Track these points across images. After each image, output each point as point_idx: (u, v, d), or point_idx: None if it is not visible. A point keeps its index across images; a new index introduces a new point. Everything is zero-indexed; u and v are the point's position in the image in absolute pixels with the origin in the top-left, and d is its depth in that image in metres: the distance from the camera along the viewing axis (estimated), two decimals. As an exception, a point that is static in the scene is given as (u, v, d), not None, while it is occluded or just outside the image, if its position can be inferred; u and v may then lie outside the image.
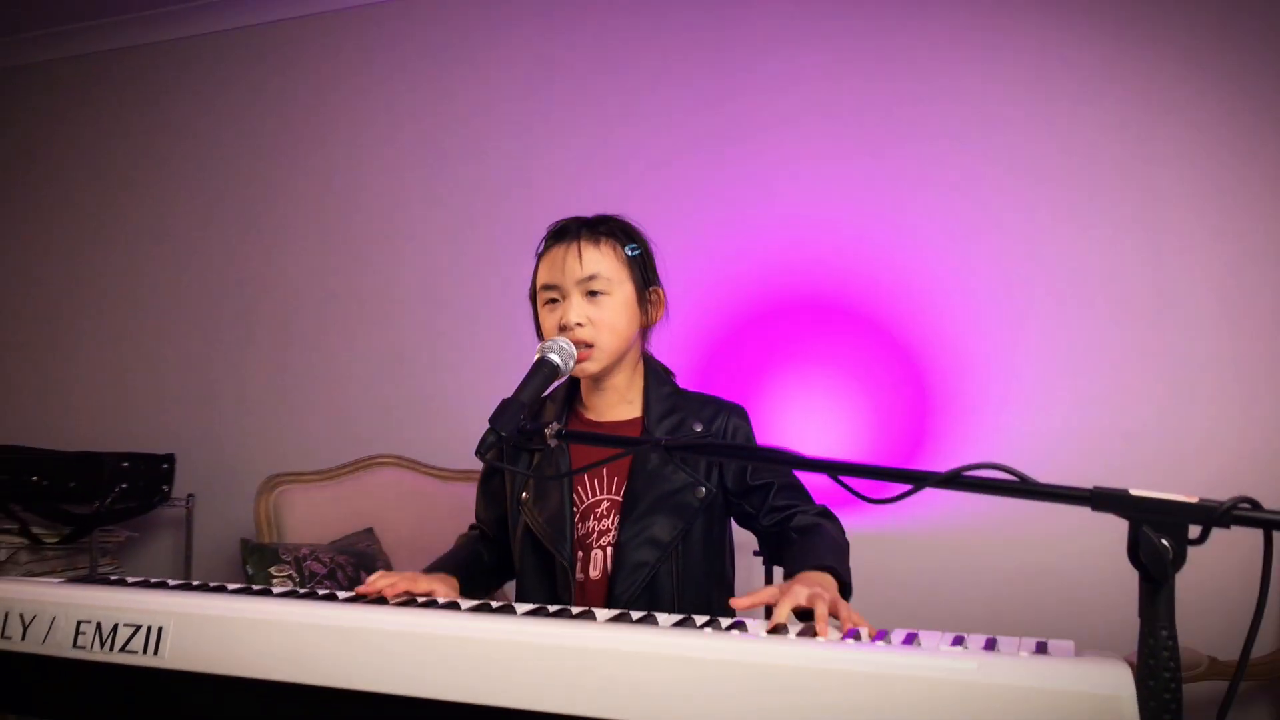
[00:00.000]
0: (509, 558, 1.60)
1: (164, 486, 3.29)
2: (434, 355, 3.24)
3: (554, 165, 3.16)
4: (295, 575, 2.42)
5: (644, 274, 1.51)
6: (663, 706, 0.88)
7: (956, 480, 0.94)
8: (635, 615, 1.16)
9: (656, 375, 1.56)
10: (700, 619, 1.12)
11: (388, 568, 2.67)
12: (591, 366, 1.46)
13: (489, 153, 3.26)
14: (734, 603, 1.15)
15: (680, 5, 3.07)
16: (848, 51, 2.88)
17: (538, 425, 1.20)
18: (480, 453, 1.18)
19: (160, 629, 1.13)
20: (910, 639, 1.02)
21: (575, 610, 1.19)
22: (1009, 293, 2.67)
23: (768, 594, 1.17)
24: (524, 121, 3.23)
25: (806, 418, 2.78)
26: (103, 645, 1.15)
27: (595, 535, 1.48)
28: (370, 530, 2.78)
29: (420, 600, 1.31)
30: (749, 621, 1.13)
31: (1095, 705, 0.78)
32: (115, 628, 1.15)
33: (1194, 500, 0.84)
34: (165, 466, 3.30)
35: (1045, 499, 0.92)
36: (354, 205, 3.43)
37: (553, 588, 1.48)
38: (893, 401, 2.72)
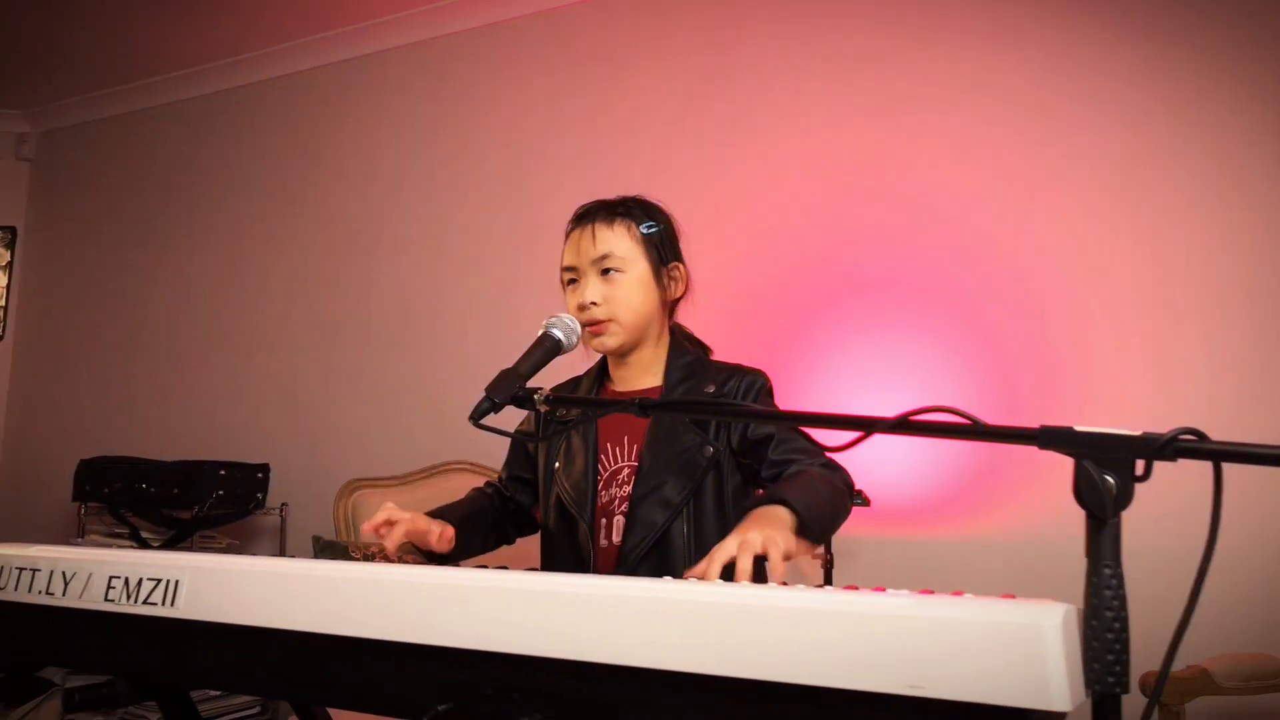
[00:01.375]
0: (519, 518, 1.65)
1: (259, 494, 3.47)
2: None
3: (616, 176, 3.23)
4: (363, 571, 2.51)
5: (660, 251, 1.54)
6: (588, 640, 0.91)
7: (905, 425, 0.94)
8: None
9: (679, 346, 1.59)
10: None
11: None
12: (610, 341, 1.51)
13: (565, 171, 3.35)
14: (687, 574, 1.14)
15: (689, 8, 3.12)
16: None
17: (528, 392, 1.24)
18: (474, 418, 1.23)
19: (177, 582, 1.20)
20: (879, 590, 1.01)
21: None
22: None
23: (708, 557, 1.14)
24: (594, 130, 3.32)
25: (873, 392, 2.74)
26: (129, 598, 1.23)
27: (616, 502, 1.52)
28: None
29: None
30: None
31: (1018, 632, 0.76)
32: (140, 581, 1.23)
33: (1137, 434, 0.82)
34: (260, 475, 3.48)
35: (994, 439, 0.90)
36: (433, 226, 3.57)
37: (577, 553, 1.51)
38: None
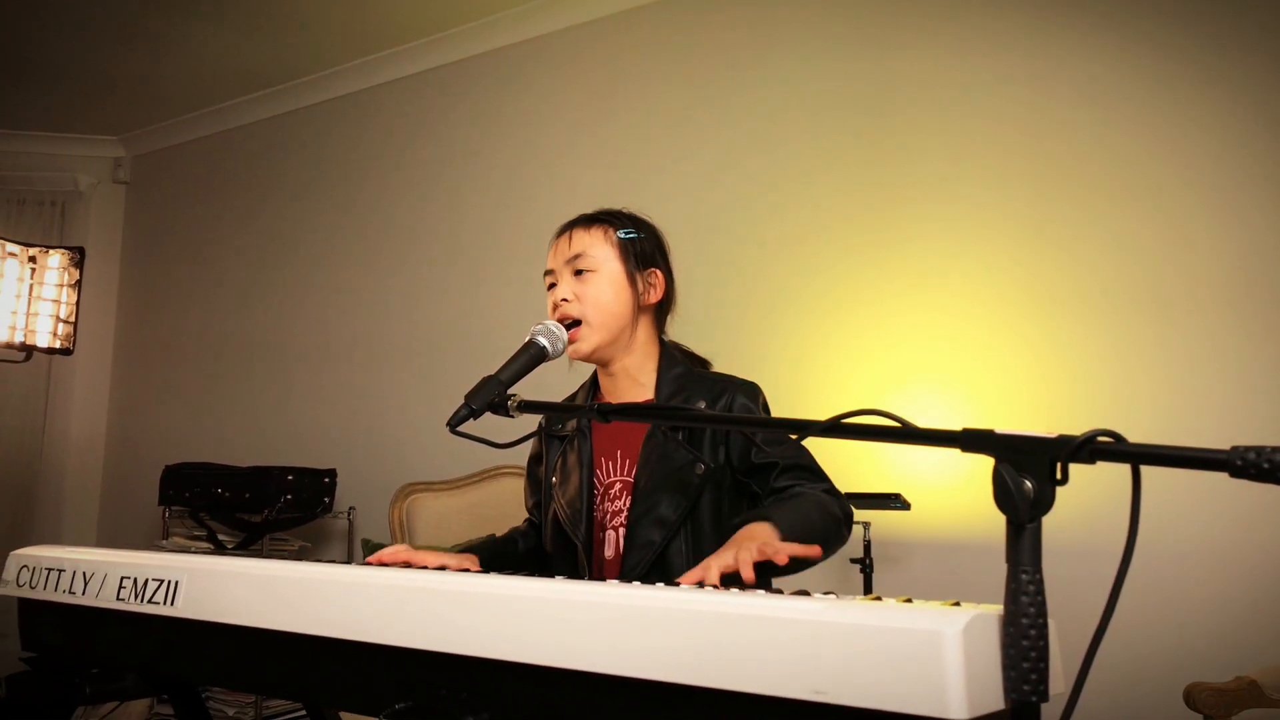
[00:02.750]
0: None
1: (325, 499, 3.60)
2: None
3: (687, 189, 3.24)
4: (409, 573, 2.58)
5: (637, 257, 1.55)
6: (517, 639, 0.93)
7: (837, 428, 0.93)
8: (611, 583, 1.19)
9: (670, 358, 1.59)
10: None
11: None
12: (583, 346, 1.52)
13: (602, 180, 3.38)
14: (680, 581, 1.15)
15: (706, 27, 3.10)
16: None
17: (504, 399, 1.26)
18: (451, 425, 1.26)
19: (176, 582, 1.27)
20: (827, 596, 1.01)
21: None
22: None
23: (701, 567, 1.15)
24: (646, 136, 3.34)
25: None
26: (137, 597, 1.31)
27: (610, 516, 1.52)
28: (491, 535, 2.92)
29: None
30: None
31: (917, 640, 0.75)
32: (146, 582, 1.31)
33: (1052, 436, 0.80)
34: (327, 480, 3.61)
35: (920, 442, 0.89)
36: (491, 235, 3.65)
37: (574, 569, 1.53)
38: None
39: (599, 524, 1.54)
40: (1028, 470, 0.80)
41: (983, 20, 2.71)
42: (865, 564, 2.44)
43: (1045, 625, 0.79)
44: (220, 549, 3.51)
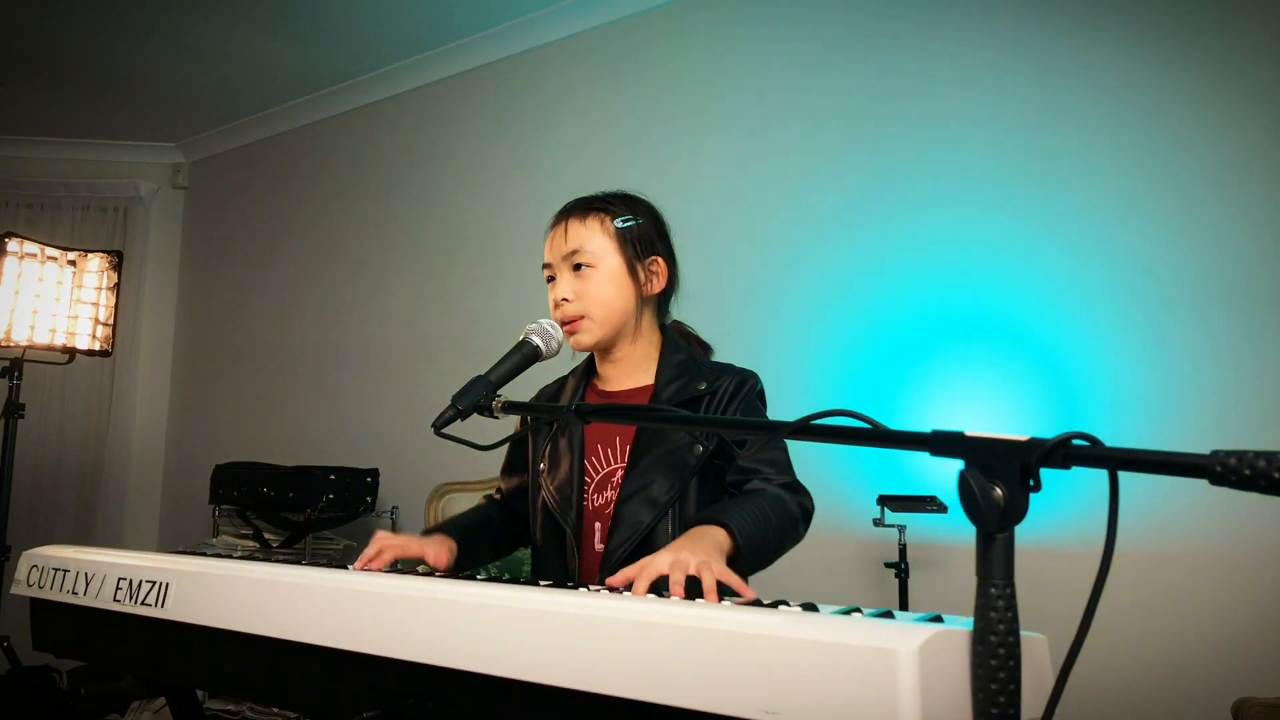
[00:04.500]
0: (522, 526, 1.63)
1: (368, 498, 3.62)
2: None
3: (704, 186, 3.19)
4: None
5: (637, 246, 1.50)
6: (464, 646, 0.89)
7: (807, 429, 0.88)
8: (569, 584, 1.16)
9: (672, 344, 1.55)
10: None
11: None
12: (584, 339, 1.48)
13: (654, 174, 3.35)
14: (609, 581, 1.10)
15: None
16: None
17: (490, 400, 1.24)
18: (436, 427, 1.24)
19: (166, 584, 1.27)
20: (805, 608, 0.96)
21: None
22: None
23: (638, 565, 1.10)
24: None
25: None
26: (131, 599, 1.31)
27: (603, 506, 1.49)
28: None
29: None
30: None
31: (872, 658, 0.70)
32: (140, 584, 1.31)
33: (1024, 439, 0.74)
34: (369, 480, 3.64)
35: (890, 444, 0.84)
36: (535, 244, 3.64)
37: (563, 559, 1.49)
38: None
39: (595, 513, 1.50)
40: (998, 476, 0.74)
41: (991, 17, 2.62)
42: (900, 568, 2.36)
43: (1016, 642, 0.73)
44: (265, 548, 3.56)
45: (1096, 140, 2.46)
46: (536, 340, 1.36)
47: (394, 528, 3.74)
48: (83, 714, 3.74)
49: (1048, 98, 2.54)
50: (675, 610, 0.83)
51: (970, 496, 0.73)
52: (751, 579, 1.45)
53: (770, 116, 3.07)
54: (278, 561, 1.41)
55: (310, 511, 3.42)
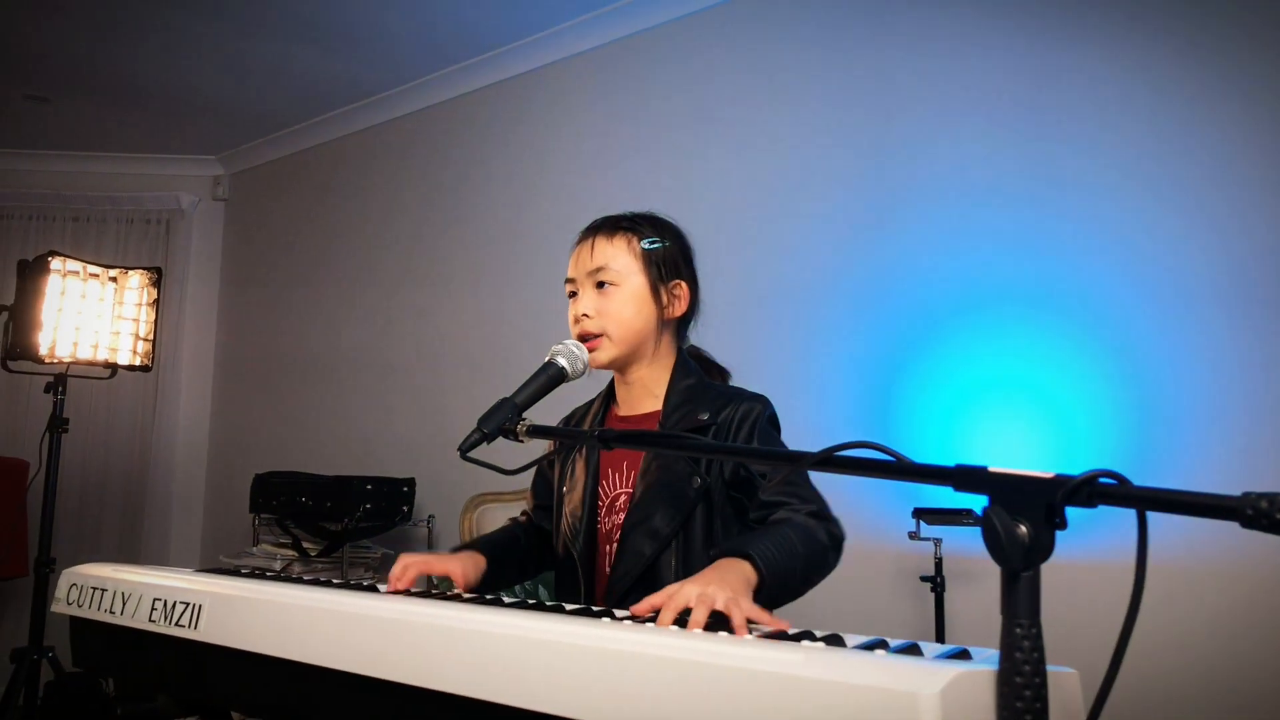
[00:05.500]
0: (549, 546, 1.64)
1: (404, 507, 3.65)
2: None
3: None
4: (473, 586, 2.59)
5: (661, 268, 1.50)
6: (474, 676, 0.89)
7: (830, 461, 0.87)
8: (595, 609, 1.15)
9: (684, 368, 1.54)
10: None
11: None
12: (601, 356, 1.48)
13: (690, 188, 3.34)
14: (633, 609, 1.09)
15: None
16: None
17: (515, 423, 1.24)
18: (462, 450, 1.24)
19: (200, 606, 1.29)
20: (829, 641, 0.94)
21: (530, 603, 1.20)
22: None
23: (663, 594, 1.08)
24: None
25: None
26: (166, 619, 1.33)
27: (614, 529, 1.50)
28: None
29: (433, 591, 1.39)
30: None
31: (892, 701, 0.69)
32: (175, 604, 1.33)
33: (1049, 475, 0.72)
34: (405, 489, 3.66)
35: (913, 478, 0.83)
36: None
37: (575, 579, 1.50)
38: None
39: (602, 537, 1.51)
40: (1023, 513, 0.72)
41: (999, 17, 2.58)
42: (936, 582, 2.33)
43: (1043, 683, 0.71)
44: (304, 557, 3.60)
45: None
46: (562, 362, 1.36)
47: (430, 537, 3.78)
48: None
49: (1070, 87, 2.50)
50: (698, 646, 0.82)
51: (994, 534, 0.72)
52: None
53: (791, 128, 3.05)
54: (312, 582, 1.42)
55: (348, 521, 3.46)
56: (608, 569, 1.48)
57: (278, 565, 3.58)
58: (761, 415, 1.46)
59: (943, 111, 2.73)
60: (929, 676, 0.69)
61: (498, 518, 3.05)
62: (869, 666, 0.74)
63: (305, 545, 3.63)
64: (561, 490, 1.57)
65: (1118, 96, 2.44)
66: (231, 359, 5.13)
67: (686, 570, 1.40)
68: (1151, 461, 2.25)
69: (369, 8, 3.57)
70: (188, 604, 1.31)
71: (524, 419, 1.24)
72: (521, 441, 1.22)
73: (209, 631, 1.26)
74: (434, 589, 1.62)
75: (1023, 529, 0.72)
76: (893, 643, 0.93)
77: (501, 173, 3.92)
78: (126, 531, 4.88)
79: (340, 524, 3.48)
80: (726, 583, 1.08)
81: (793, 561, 1.22)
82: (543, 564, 1.67)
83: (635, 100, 3.51)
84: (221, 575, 1.47)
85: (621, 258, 1.49)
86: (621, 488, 1.51)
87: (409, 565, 1.38)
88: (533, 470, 1.66)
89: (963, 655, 0.87)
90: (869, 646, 0.91)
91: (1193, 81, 2.34)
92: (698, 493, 1.43)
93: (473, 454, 1.23)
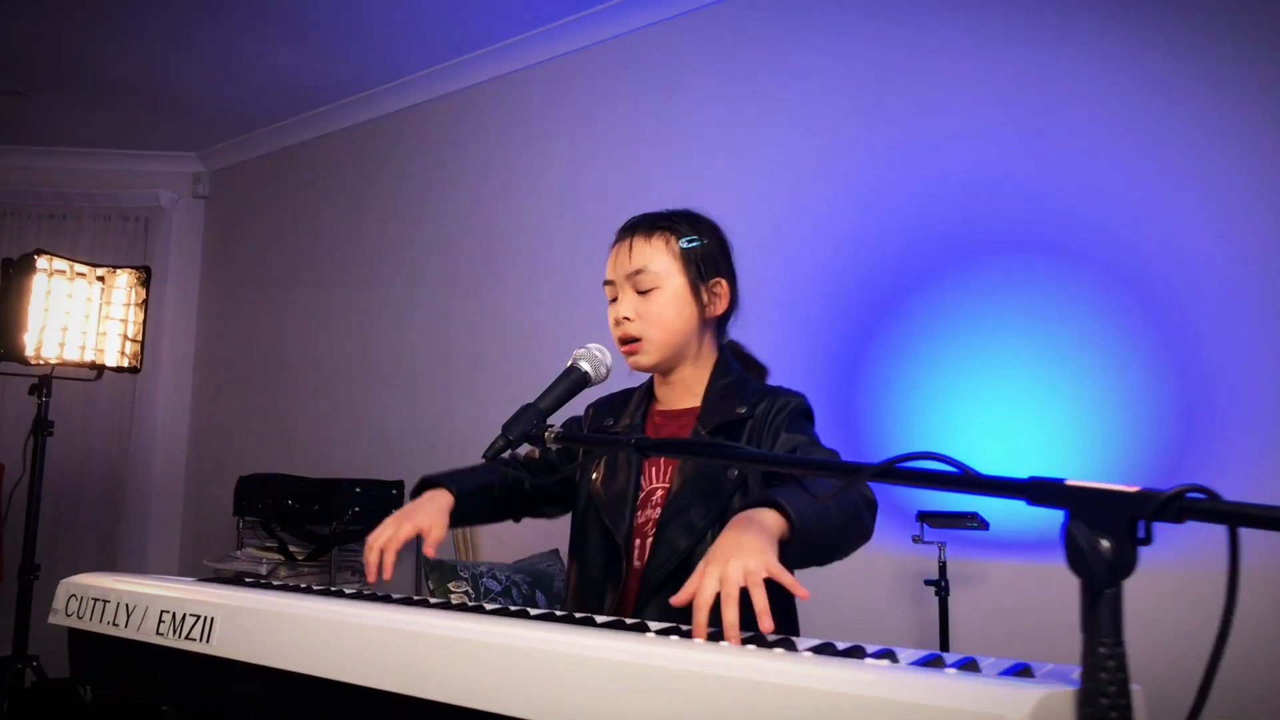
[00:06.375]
0: (528, 500, 1.63)
1: (393, 509, 3.58)
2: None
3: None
4: (470, 591, 2.55)
5: (701, 267, 1.48)
6: (516, 698, 0.86)
7: (891, 473, 0.84)
8: (629, 621, 1.12)
9: (724, 365, 1.53)
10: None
11: (565, 588, 2.75)
12: (643, 360, 1.47)
13: (656, 190, 3.31)
14: (673, 601, 1.05)
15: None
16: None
17: (541, 429, 1.21)
18: (488, 456, 1.21)
19: (212, 619, 1.24)
20: (878, 655, 0.92)
21: (559, 613, 1.17)
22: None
23: (691, 586, 1.03)
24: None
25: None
26: (175, 632, 1.28)
27: (648, 524, 1.47)
28: (555, 551, 2.87)
29: (457, 604, 1.35)
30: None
31: (975, 725, 0.66)
32: (184, 617, 1.28)
33: (1133, 490, 0.70)
34: (394, 492, 3.62)
35: (983, 491, 0.80)
36: (560, 251, 3.61)
37: (610, 571, 1.47)
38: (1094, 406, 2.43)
39: (637, 529, 1.49)
40: (1105, 528, 0.70)
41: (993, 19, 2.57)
42: (941, 585, 2.32)
43: (1129, 705, 0.69)
44: (291, 560, 3.54)
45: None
46: (585, 366, 1.33)
47: (419, 541, 3.71)
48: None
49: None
50: (756, 664, 0.78)
51: (1077, 550, 0.70)
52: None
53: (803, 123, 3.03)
54: (323, 593, 1.38)
55: (336, 524, 3.40)
56: (635, 562, 1.46)
57: (264, 569, 3.52)
58: (797, 408, 1.45)
59: (945, 114, 2.72)
60: (1015, 698, 0.67)
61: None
62: (947, 687, 0.71)
63: (292, 549, 3.57)
64: (592, 478, 1.54)
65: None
66: (212, 360, 5.04)
67: None
68: (1192, 463, 2.23)
69: (353, 3, 3.52)
70: (199, 616, 1.26)
71: (550, 425, 1.20)
72: (549, 449, 1.19)
73: (223, 645, 1.21)
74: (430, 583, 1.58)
75: (1105, 544, 0.70)
76: (948, 657, 0.91)
77: (488, 172, 3.88)
78: (104, 535, 4.78)
79: (329, 527, 3.42)
80: (743, 546, 1.02)
81: (826, 513, 1.17)
82: (511, 514, 1.66)
83: (625, 99, 3.48)
84: (228, 586, 1.42)
85: (660, 258, 1.47)
86: (658, 482, 1.49)
87: (384, 549, 1.38)
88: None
89: (1026, 673, 0.85)
90: (926, 663, 0.88)
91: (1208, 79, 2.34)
92: (734, 483, 1.41)
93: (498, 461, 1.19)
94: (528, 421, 1.23)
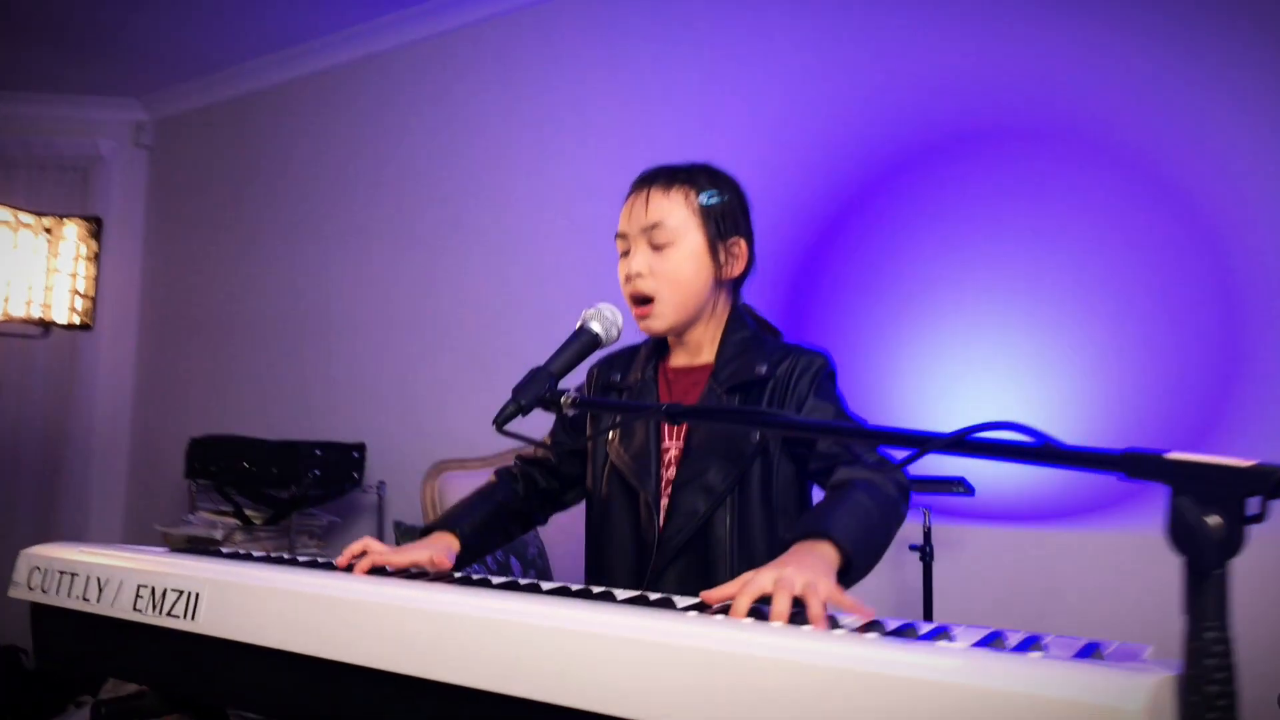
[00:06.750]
0: (552, 495, 1.57)
1: (354, 474, 3.50)
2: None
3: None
4: (443, 558, 2.48)
5: (720, 224, 1.41)
6: (581, 687, 0.79)
7: (963, 443, 0.79)
8: (652, 597, 1.06)
9: (738, 322, 1.46)
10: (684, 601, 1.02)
11: (539, 552, 2.69)
12: (656, 324, 1.40)
13: (628, 146, 3.22)
14: (704, 595, 1.00)
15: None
16: None
17: (557, 394, 1.13)
18: (498, 423, 1.14)
19: (197, 594, 1.16)
20: (934, 635, 0.87)
21: (574, 589, 1.11)
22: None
23: (738, 583, 1.00)
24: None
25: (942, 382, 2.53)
26: (155, 609, 1.20)
27: (664, 485, 1.41)
28: (472, 498, 2.81)
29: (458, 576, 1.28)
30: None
31: (1090, 715, 0.62)
32: (165, 592, 1.19)
33: (1247, 464, 0.65)
34: (356, 455, 3.51)
35: (1069, 464, 0.75)
36: (520, 217, 3.50)
37: (637, 527, 1.41)
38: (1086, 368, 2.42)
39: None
40: (1212, 504, 0.66)
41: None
42: (925, 551, 2.31)
43: (1234, 694, 0.65)
44: (248, 525, 3.42)
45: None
46: (596, 327, 1.26)
47: (380, 504, 3.63)
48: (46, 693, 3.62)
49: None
50: (837, 650, 0.73)
51: (1185, 528, 0.65)
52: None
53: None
54: (310, 565, 1.30)
55: (295, 488, 3.29)
56: (658, 527, 1.39)
57: (219, 534, 3.40)
58: (822, 369, 1.38)
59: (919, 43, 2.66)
60: (1126, 684, 0.62)
61: (461, 486, 2.92)
62: (1038, 672, 0.66)
63: (248, 513, 3.45)
64: (607, 436, 1.47)
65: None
66: (159, 317, 4.84)
67: (741, 529, 1.33)
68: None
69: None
70: (182, 591, 1.18)
71: (564, 390, 1.13)
72: (567, 415, 1.12)
73: (211, 623, 1.13)
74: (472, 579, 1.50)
75: (1214, 521, 0.65)
76: (1009, 636, 0.86)
77: (449, 124, 3.74)
78: (43, 499, 4.59)
79: (288, 491, 3.31)
80: (805, 566, 0.99)
81: (872, 531, 1.14)
82: (529, 524, 1.58)
83: (596, 47, 3.37)
84: (209, 558, 1.34)
85: (678, 212, 1.39)
86: (671, 441, 1.42)
87: (372, 556, 1.26)
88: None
89: (1097, 654, 0.80)
90: (988, 643, 0.83)
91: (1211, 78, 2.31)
92: (755, 448, 1.35)
93: (509, 428, 1.12)
94: (540, 385, 1.15)
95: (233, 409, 4.27)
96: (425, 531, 1.42)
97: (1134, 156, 2.36)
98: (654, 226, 1.38)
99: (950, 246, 2.58)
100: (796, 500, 1.42)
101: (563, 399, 1.12)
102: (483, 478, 2.94)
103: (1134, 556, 2.26)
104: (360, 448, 3.54)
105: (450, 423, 3.56)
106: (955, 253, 2.57)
